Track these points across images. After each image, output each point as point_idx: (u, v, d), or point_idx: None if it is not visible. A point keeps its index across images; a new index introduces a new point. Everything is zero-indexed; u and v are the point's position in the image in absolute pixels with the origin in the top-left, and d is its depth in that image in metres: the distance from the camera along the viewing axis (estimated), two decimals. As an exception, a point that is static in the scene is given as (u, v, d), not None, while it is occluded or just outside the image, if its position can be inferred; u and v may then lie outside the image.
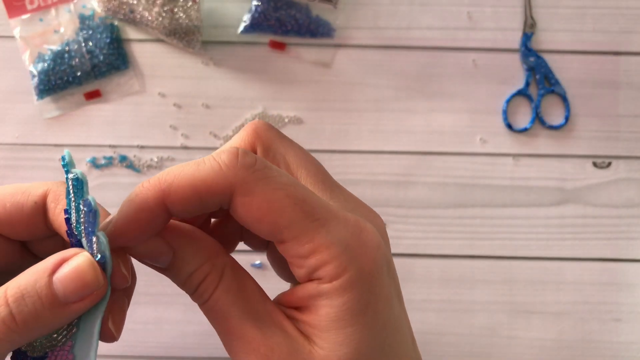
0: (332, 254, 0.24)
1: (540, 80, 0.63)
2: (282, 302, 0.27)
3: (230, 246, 0.31)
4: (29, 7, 0.62)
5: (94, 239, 0.24)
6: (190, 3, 0.60)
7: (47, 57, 0.61)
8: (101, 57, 0.61)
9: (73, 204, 0.25)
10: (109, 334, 0.25)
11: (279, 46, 0.63)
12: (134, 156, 0.62)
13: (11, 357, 0.26)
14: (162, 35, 0.62)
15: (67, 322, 0.25)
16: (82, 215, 0.24)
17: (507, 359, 0.62)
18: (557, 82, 0.63)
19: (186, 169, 0.24)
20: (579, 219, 0.63)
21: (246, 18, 0.62)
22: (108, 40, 0.61)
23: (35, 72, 0.61)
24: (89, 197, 0.24)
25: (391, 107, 0.63)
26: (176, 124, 0.63)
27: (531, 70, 0.63)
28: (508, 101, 0.63)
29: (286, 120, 0.63)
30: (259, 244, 0.31)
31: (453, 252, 0.63)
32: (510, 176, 0.63)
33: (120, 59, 0.62)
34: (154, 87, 0.63)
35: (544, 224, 0.63)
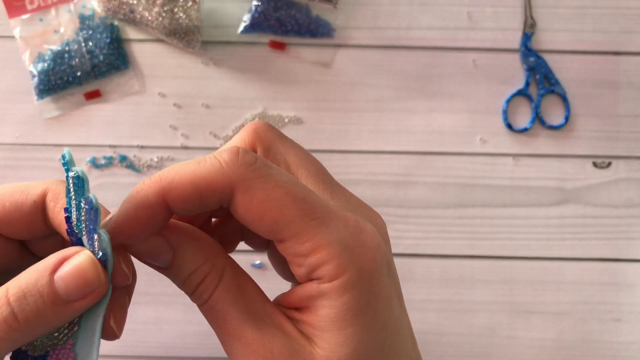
0: (332, 253, 0.24)
1: (540, 80, 0.63)
2: (281, 303, 0.27)
3: (230, 246, 0.31)
4: (29, 7, 0.62)
5: (96, 236, 0.24)
6: (190, 3, 0.60)
7: (47, 57, 0.61)
8: (101, 57, 0.61)
9: (73, 202, 0.25)
10: (111, 332, 0.25)
11: (279, 46, 0.63)
12: (134, 156, 0.62)
13: (11, 357, 0.26)
14: (162, 35, 0.62)
15: (68, 320, 0.25)
16: (83, 213, 0.24)
17: (507, 359, 0.62)
18: (557, 82, 0.63)
19: (187, 167, 0.25)
20: (579, 219, 0.63)
21: (246, 18, 0.62)
22: (108, 40, 0.61)
23: (35, 72, 0.61)
24: (90, 195, 0.24)
25: (391, 107, 0.63)
26: (176, 124, 0.63)
27: (531, 70, 0.63)
28: (508, 101, 0.63)
29: (286, 120, 0.63)
30: (259, 243, 0.31)
31: (453, 252, 0.63)
32: (510, 176, 0.63)
33: (120, 59, 0.62)
34: (154, 87, 0.63)
35: (544, 224, 0.63)
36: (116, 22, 0.63)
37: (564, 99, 0.63)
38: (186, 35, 0.61)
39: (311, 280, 0.25)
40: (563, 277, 0.63)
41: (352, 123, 0.63)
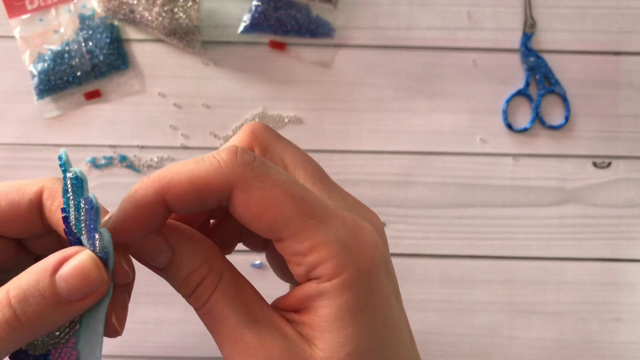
0: (331, 252, 0.24)
1: (540, 80, 0.63)
2: (279, 306, 0.26)
3: (229, 247, 0.31)
4: (29, 7, 0.62)
5: (97, 235, 0.24)
6: (190, 3, 0.60)
7: (47, 57, 0.61)
8: (101, 57, 0.61)
9: (72, 202, 0.25)
10: (113, 329, 0.26)
11: (279, 46, 0.63)
12: (134, 156, 0.62)
13: (10, 357, 0.26)
14: (162, 35, 0.62)
15: (70, 319, 0.25)
16: (82, 213, 0.24)
17: (507, 359, 0.62)
18: (557, 82, 0.63)
19: (186, 166, 0.25)
20: (579, 219, 0.63)
21: (246, 18, 0.62)
22: (108, 40, 0.62)
23: (35, 72, 0.61)
24: (90, 195, 0.24)
25: (391, 107, 0.63)
26: (176, 124, 0.63)
27: (531, 70, 0.63)
28: (508, 101, 0.63)
29: (286, 120, 0.63)
30: (257, 244, 0.31)
31: (453, 252, 0.63)
32: (510, 176, 0.63)
33: (120, 59, 0.62)
34: (154, 87, 0.63)
35: (544, 224, 0.63)
36: (116, 22, 0.63)
37: (564, 99, 0.63)
38: (186, 35, 0.61)
39: (310, 280, 0.25)
40: (563, 277, 0.63)
41: (352, 123, 0.63)
